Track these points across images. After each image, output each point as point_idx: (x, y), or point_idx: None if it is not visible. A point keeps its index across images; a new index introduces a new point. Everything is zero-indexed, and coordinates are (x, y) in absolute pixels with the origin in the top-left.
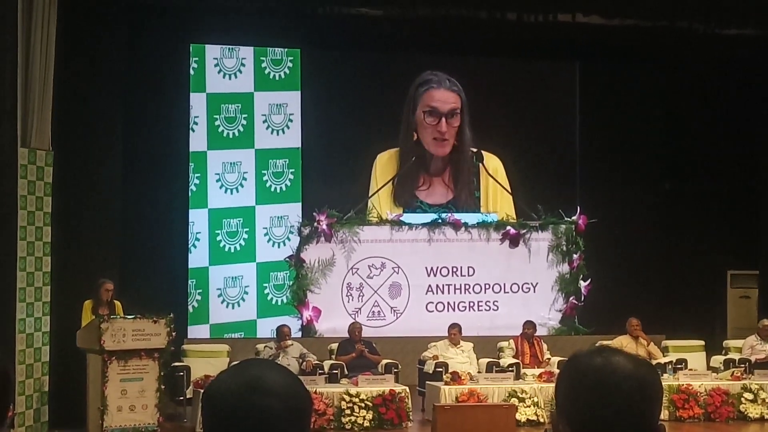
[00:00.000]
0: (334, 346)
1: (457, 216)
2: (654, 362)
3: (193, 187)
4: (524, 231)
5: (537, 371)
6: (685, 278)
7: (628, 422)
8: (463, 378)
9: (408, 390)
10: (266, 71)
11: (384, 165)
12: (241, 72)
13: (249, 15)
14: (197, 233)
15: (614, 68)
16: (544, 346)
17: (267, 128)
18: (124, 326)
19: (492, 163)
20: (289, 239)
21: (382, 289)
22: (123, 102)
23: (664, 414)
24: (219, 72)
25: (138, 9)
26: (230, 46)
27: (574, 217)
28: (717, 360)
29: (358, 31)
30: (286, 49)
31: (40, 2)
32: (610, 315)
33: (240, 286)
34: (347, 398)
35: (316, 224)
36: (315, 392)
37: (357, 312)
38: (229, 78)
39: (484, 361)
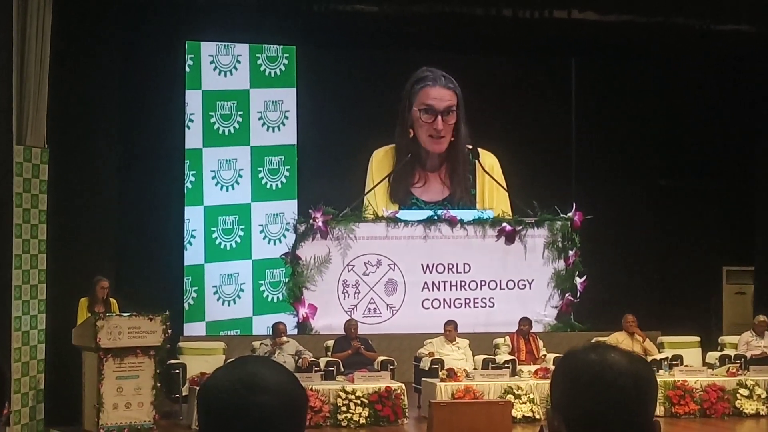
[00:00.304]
0: (330, 343)
1: (452, 213)
2: (650, 358)
3: (188, 185)
4: (520, 228)
5: (533, 368)
6: (681, 274)
7: (623, 418)
8: (459, 375)
9: (404, 387)
10: (262, 68)
11: (380, 161)
12: (236, 69)
13: (244, 12)
14: (193, 230)
15: (610, 65)
16: (540, 343)
17: (263, 125)
18: (119, 324)
19: (488, 160)
20: (284, 236)
21: (378, 286)
22: (118, 99)
23: (660, 410)
24: (214, 69)
25: (133, 6)
26: (226, 43)
27: (569, 214)
28: (712, 356)
29: (354, 28)
30: (281, 46)
31: (35, 0)
32: (606, 311)
33: (236, 283)
34: (343, 395)
35: (311, 221)
36: (311, 389)
37: (353, 309)
38: (225, 75)
39: (480, 357)
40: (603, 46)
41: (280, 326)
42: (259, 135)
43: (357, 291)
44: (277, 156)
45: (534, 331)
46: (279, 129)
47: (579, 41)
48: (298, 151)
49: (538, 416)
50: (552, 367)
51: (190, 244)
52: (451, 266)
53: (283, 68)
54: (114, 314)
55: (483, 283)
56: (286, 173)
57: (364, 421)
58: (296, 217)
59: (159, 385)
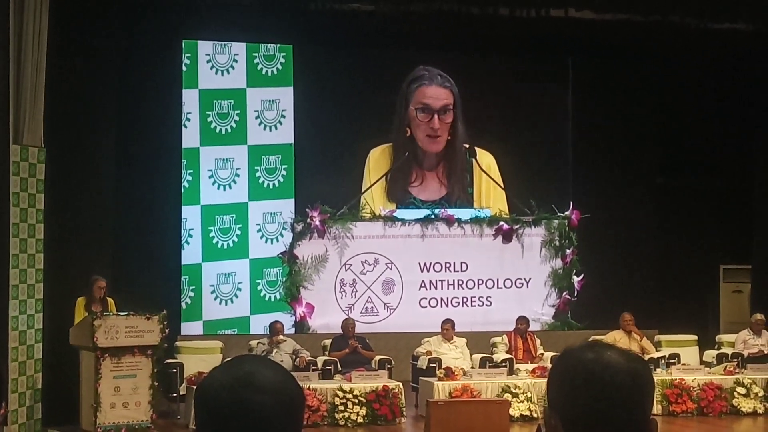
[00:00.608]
0: (328, 342)
1: (449, 212)
2: (647, 357)
3: (185, 184)
4: (517, 226)
5: (530, 366)
6: (678, 273)
7: (620, 417)
8: (456, 373)
9: (401, 386)
10: (259, 67)
11: (377, 160)
12: (233, 68)
13: (241, 11)
14: (190, 230)
15: (607, 63)
16: (538, 342)
17: (260, 124)
18: (117, 323)
19: (485, 158)
20: (282, 235)
21: (376, 284)
22: (115, 98)
23: (657, 409)
24: (211, 68)
25: (130, 5)
26: (222, 42)
27: (567, 213)
28: (710, 354)
29: (351, 26)
30: (278, 45)
31: None
32: (603, 310)
33: (233, 282)
34: (341, 394)
35: (309, 220)
36: (308, 388)
37: (350, 308)
38: (222, 74)
39: (478, 356)
40: (600, 45)
41: (277, 325)
42: (256, 134)
43: (354, 290)
44: (274, 155)
45: (531, 329)
46: (276, 128)
47: (576, 40)
48: (295, 150)
49: (535, 415)
50: (549, 366)
51: (188, 243)
52: (448, 265)
53: (279, 67)
54: (111, 313)
55: (480, 281)
56: (283, 172)
57: (361, 420)
58: (293, 216)
59: (156, 384)
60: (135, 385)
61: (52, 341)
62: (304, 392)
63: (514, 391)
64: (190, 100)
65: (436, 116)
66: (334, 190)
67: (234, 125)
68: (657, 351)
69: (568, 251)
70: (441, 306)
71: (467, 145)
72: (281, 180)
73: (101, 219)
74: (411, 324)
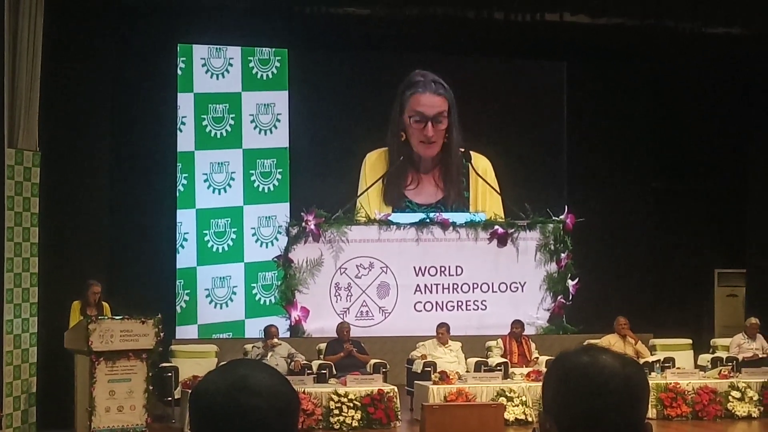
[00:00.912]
0: (323, 346)
1: (444, 215)
2: (642, 361)
3: (180, 188)
4: (512, 230)
5: (525, 370)
6: (673, 277)
7: (615, 421)
8: (451, 377)
9: (396, 390)
10: (254, 71)
11: (373, 164)
12: (228, 72)
13: (236, 15)
14: (185, 233)
15: (602, 67)
16: (533, 346)
17: (255, 128)
18: (112, 327)
19: (481, 163)
20: (277, 239)
21: (371, 288)
22: (110, 102)
23: (652, 412)
24: (206, 72)
25: (125, 9)
26: (218, 46)
27: (561, 216)
28: (704, 358)
29: (346, 30)
30: (273, 49)
31: (27, 2)
32: (598, 314)
33: (228, 286)
34: (336, 398)
35: (304, 224)
36: (303, 392)
37: (345, 312)
38: (217, 78)
39: (473, 360)
40: (595, 49)
41: (272, 329)
42: (251, 138)
43: (349, 294)
44: (269, 159)
45: (526, 333)
46: (271, 132)
47: (571, 44)
48: (290, 153)
49: (530, 419)
50: (544, 370)
51: (183, 247)
52: (443, 269)
53: (275, 71)
54: (106, 317)
55: (475, 285)
56: (279, 176)
57: (356, 424)
58: (288, 220)
59: (151, 388)
60: (130, 389)
61: (46, 345)
62: (299, 396)
63: (509, 395)
64: (185, 103)
65: (430, 124)
66: (329, 194)
67: (229, 129)
68: (652, 355)
69: (563, 255)
70: (436, 310)
71: (462, 149)
72: (276, 184)
73: (96, 223)
74: (406, 328)
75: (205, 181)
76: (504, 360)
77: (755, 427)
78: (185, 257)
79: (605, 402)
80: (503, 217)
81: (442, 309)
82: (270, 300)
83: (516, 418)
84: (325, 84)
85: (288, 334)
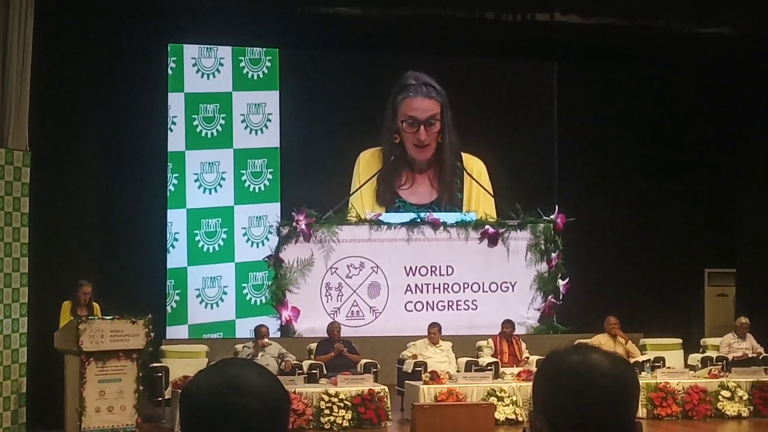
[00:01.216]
0: (313, 345)
1: (435, 215)
2: (632, 360)
3: (171, 187)
4: (503, 230)
5: (516, 370)
6: (663, 277)
7: (606, 419)
8: (442, 377)
9: (387, 389)
10: (244, 71)
11: (367, 163)
12: (219, 72)
13: (227, 14)
14: (176, 233)
15: (592, 68)
16: (523, 345)
17: (245, 128)
18: (102, 327)
19: (476, 165)
20: (267, 239)
21: (361, 288)
22: (101, 102)
23: (642, 412)
24: (197, 72)
25: (116, 9)
26: (208, 46)
27: (552, 216)
28: (694, 358)
29: (337, 30)
30: (264, 49)
31: (17, 2)
32: (589, 313)
33: (219, 286)
34: (326, 398)
35: (294, 224)
36: (294, 392)
37: (336, 312)
38: (208, 78)
39: (463, 360)
40: (585, 49)
41: (262, 329)
42: (242, 138)
43: (340, 294)
44: (260, 159)
45: (517, 333)
46: (262, 132)
47: (561, 44)
48: (281, 153)
49: (521, 418)
50: (535, 370)
51: (173, 247)
52: (434, 269)
53: (266, 71)
54: (96, 317)
55: (466, 285)
56: (269, 176)
57: (347, 424)
58: (279, 220)
59: (141, 388)
60: (120, 389)
61: (36, 345)
62: (289, 395)
63: (499, 394)
64: (175, 103)
65: (422, 127)
66: (320, 194)
67: (220, 129)
68: (642, 354)
69: (553, 255)
70: (427, 310)
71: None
72: (267, 184)
73: (87, 222)
74: (397, 328)
75: (195, 180)
76: (494, 360)
77: (745, 427)
78: (176, 257)
79: (595, 401)
80: (495, 217)
81: (432, 309)
82: (261, 300)
83: (506, 418)
84: (316, 84)
85: (279, 334)
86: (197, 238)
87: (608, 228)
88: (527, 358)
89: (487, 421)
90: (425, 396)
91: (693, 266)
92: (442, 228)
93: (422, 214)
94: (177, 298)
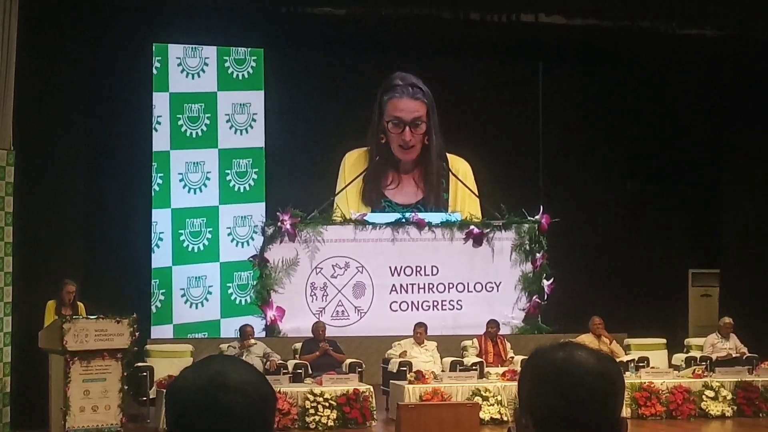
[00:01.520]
0: (298, 345)
1: (420, 215)
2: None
3: (156, 187)
4: (488, 230)
5: (500, 370)
6: (647, 277)
7: (591, 416)
8: (426, 377)
9: (372, 389)
10: (229, 71)
11: (353, 163)
12: (204, 72)
13: (212, 14)
14: (160, 233)
15: (577, 68)
16: (508, 345)
17: (230, 128)
18: (86, 326)
19: (462, 166)
20: (252, 239)
21: (346, 288)
22: (85, 101)
23: (626, 412)
24: (182, 71)
25: (100, 8)
26: (193, 46)
27: (537, 217)
28: (679, 358)
29: (322, 30)
30: (249, 49)
31: (1, 1)
32: (573, 314)
33: (203, 286)
34: (311, 398)
35: (279, 224)
36: (279, 392)
37: (321, 312)
38: (192, 77)
39: (448, 360)
40: (570, 50)
41: (247, 329)
42: (226, 137)
43: (325, 293)
44: (245, 159)
45: (501, 333)
46: (247, 132)
47: (546, 45)
48: (266, 153)
49: (505, 418)
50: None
51: (158, 246)
52: (419, 269)
53: (251, 71)
54: (81, 317)
55: (451, 285)
56: (254, 176)
57: (332, 424)
58: (264, 220)
59: (126, 387)
60: (104, 389)
61: (21, 345)
62: (275, 392)
63: (484, 394)
64: (160, 103)
65: (407, 128)
66: (305, 194)
67: (204, 129)
68: (626, 354)
69: (538, 255)
70: (411, 309)
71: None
72: (252, 184)
73: (71, 222)
74: (382, 327)
75: (180, 180)
76: (479, 360)
77: (729, 427)
78: (160, 257)
79: (581, 397)
80: (480, 217)
81: (417, 309)
82: (245, 300)
83: (491, 418)
84: (301, 84)
85: (263, 334)
86: (182, 238)
87: (593, 228)
88: (512, 358)
89: (472, 420)
90: (410, 396)
91: (677, 267)
92: (427, 228)
93: (407, 214)
94: (162, 297)
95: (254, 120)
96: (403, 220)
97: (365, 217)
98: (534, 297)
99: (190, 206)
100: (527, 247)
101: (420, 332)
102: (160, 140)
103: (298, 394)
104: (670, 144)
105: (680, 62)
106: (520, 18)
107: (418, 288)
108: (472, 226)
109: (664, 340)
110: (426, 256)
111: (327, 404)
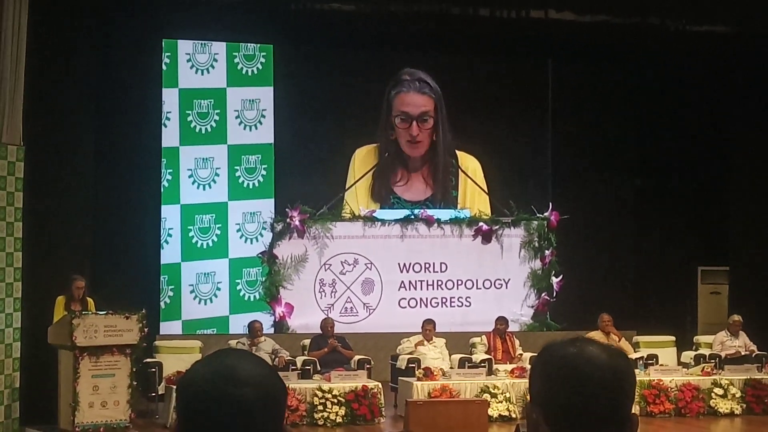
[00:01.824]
0: (307, 341)
1: (429, 212)
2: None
3: (165, 183)
4: (496, 227)
5: (509, 367)
6: (656, 274)
7: (601, 411)
8: (435, 374)
9: (380, 386)
10: (239, 67)
11: (362, 159)
12: (213, 67)
13: (222, 10)
14: (169, 229)
15: (586, 65)
16: (516, 342)
17: (239, 124)
18: (96, 322)
19: (471, 163)
20: (261, 235)
21: (355, 285)
22: (95, 97)
23: (635, 409)
24: (191, 67)
25: (110, 4)
26: (202, 42)
27: (546, 214)
28: (687, 355)
29: (331, 26)
30: (258, 45)
31: None
32: (582, 311)
33: (212, 282)
34: (320, 394)
35: (288, 220)
36: (287, 388)
37: (330, 308)
38: (202, 73)
39: (457, 356)
40: (580, 47)
41: (256, 325)
42: (236, 133)
43: (334, 290)
44: (254, 155)
45: (510, 330)
46: (256, 128)
47: (556, 41)
48: (275, 149)
49: (514, 415)
50: (528, 367)
51: (167, 242)
52: (427, 265)
53: (260, 67)
54: (90, 313)
55: (459, 282)
56: (263, 172)
57: (340, 420)
58: (273, 216)
59: (135, 383)
60: (113, 385)
61: (30, 340)
62: (286, 386)
63: (492, 391)
64: (169, 99)
65: (415, 123)
66: (314, 190)
67: (214, 125)
68: (635, 352)
69: (547, 252)
70: (420, 306)
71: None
72: (261, 180)
73: (80, 218)
74: (390, 324)
75: (189, 176)
76: (488, 356)
77: (737, 424)
78: (169, 253)
79: (591, 393)
80: (489, 214)
81: (426, 305)
82: (254, 296)
83: (500, 415)
84: (310, 80)
85: (272, 330)
86: (191, 234)
87: (602, 225)
88: (521, 355)
89: (480, 417)
90: (419, 392)
91: (686, 264)
92: (436, 225)
93: (416, 211)
94: (171, 293)
95: (263, 116)
96: (412, 217)
97: (374, 214)
98: (543, 294)
99: (200, 202)
100: (536, 244)
101: (429, 329)
102: (170, 136)
103: (306, 390)
104: (678, 141)
105: (690, 59)
106: (530, 14)
107: (427, 285)
108: (481, 223)
109: (673, 338)
110: (435, 252)
111: (335, 401)
